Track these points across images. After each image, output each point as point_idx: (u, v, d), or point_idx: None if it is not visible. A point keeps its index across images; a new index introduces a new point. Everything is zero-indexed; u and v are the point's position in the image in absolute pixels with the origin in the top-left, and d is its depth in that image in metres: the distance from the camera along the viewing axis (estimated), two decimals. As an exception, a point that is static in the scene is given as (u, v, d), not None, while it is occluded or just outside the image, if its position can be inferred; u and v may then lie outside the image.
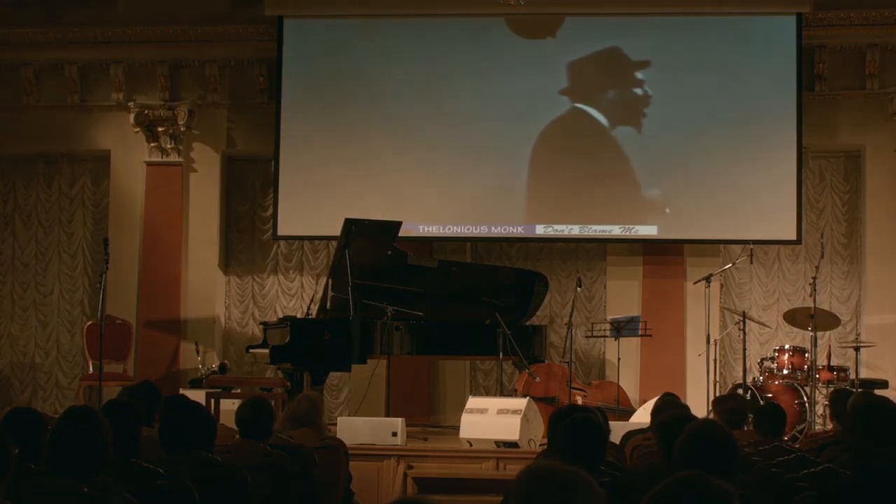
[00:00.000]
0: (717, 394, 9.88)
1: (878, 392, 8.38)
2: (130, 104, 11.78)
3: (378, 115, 11.39)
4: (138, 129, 11.75)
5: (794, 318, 10.23)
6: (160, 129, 11.74)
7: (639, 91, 11.18)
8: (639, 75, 11.17)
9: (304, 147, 11.43)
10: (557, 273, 11.58)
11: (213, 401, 8.61)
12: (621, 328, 10.00)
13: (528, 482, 2.59)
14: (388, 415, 9.24)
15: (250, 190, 12.09)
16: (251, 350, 10.23)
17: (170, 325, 11.63)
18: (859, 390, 8.22)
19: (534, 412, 8.75)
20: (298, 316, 10.50)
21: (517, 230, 11.30)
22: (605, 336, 10.37)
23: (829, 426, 8.64)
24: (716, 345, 10.15)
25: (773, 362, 10.04)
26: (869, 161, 11.28)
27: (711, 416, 6.96)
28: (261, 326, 10.45)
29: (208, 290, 11.78)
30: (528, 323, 10.28)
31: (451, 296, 10.03)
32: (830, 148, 11.50)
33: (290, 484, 4.93)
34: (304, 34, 11.53)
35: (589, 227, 11.19)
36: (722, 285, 11.30)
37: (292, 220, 11.38)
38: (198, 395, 8.21)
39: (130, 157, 11.87)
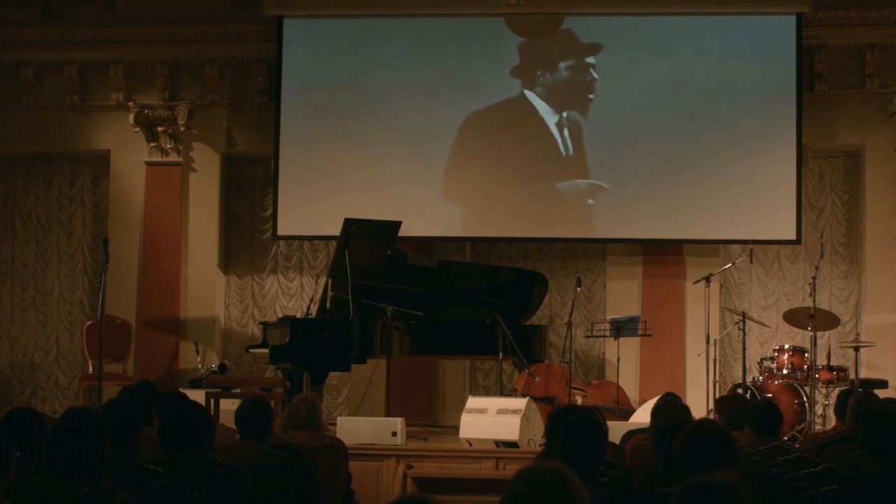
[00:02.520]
0: (717, 394, 9.89)
1: (877, 392, 8.38)
2: (130, 104, 11.78)
3: (378, 115, 11.39)
4: (138, 129, 11.75)
5: (794, 317, 10.23)
6: (160, 128, 11.75)
7: (637, 90, 11.18)
8: (637, 74, 11.17)
9: (303, 147, 11.43)
10: (557, 273, 11.59)
11: (213, 401, 8.61)
12: (621, 328, 10.00)
13: (521, 483, 2.61)
14: (387, 415, 9.24)
15: (250, 190, 12.09)
16: (251, 350, 10.23)
17: (170, 325, 11.63)
18: (860, 390, 8.21)
19: (534, 412, 8.74)
20: (298, 316, 10.51)
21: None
22: (604, 336, 10.37)
23: (830, 426, 8.64)
24: (716, 345, 10.15)
25: (772, 362, 10.04)
26: (869, 161, 11.28)
27: (714, 416, 6.96)
28: (261, 326, 10.45)
29: (208, 290, 11.78)
30: (527, 323, 10.28)
31: (450, 296, 10.04)
32: (830, 148, 11.50)
33: (290, 484, 4.93)
34: (304, 34, 11.53)
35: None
36: (722, 285, 11.30)
37: (292, 220, 11.38)
38: (198, 395, 8.21)
39: (130, 157, 11.88)
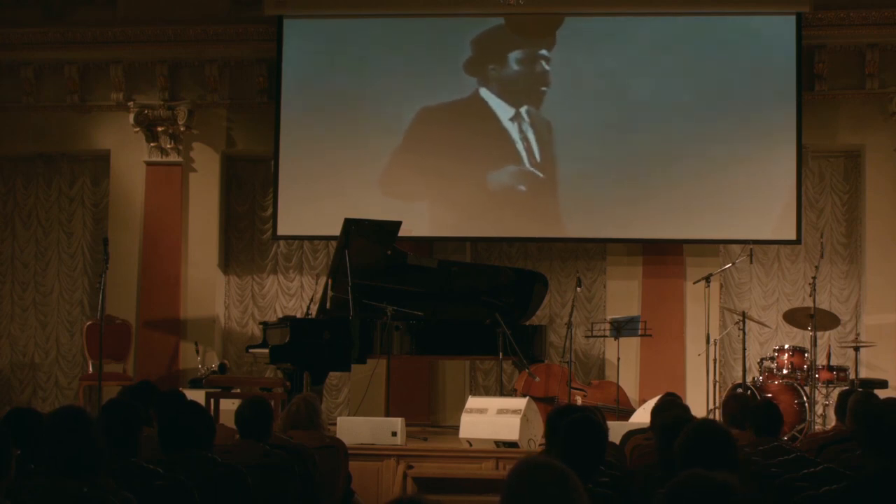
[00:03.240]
0: (718, 394, 9.90)
1: (877, 392, 8.38)
2: (130, 104, 11.78)
3: (378, 115, 11.39)
4: (138, 129, 11.75)
5: (794, 317, 10.22)
6: (160, 128, 11.75)
7: (637, 90, 11.18)
8: (637, 74, 11.17)
9: (304, 147, 11.43)
10: (557, 273, 11.59)
11: (213, 401, 8.62)
12: (621, 328, 10.00)
13: (518, 477, 2.62)
14: (388, 415, 9.24)
15: (250, 190, 12.09)
16: (251, 350, 10.23)
17: (170, 325, 11.63)
18: (860, 390, 8.21)
19: (534, 412, 8.74)
20: (298, 316, 10.51)
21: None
22: (604, 336, 10.37)
23: (830, 426, 8.64)
24: (716, 345, 10.15)
25: (772, 362, 10.03)
26: (869, 161, 11.28)
27: (718, 414, 6.96)
28: (261, 326, 10.45)
29: (208, 290, 11.78)
30: (527, 323, 10.28)
31: (450, 296, 10.04)
32: (830, 148, 11.50)
33: (290, 484, 4.93)
34: (304, 34, 11.53)
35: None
36: (722, 285, 11.30)
37: (292, 220, 11.38)
38: (198, 395, 8.21)
39: (130, 157, 11.88)
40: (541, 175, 11.24)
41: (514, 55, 11.33)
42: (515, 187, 11.27)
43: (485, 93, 11.31)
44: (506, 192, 11.27)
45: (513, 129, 11.25)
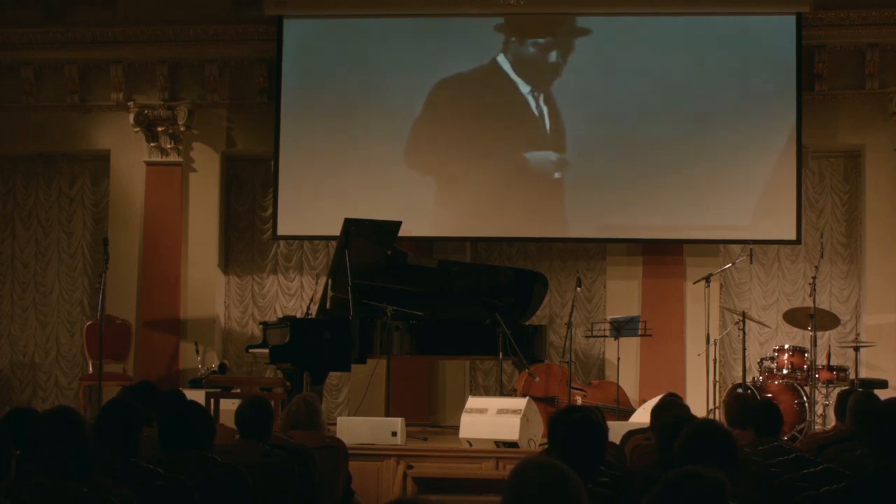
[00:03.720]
0: (718, 394, 9.90)
1: (877, 392, 8.38)
2: (130, 104, 11.78)
3: (378, 115, 11.39)
4: (138, 129, 11.75)
5: (794, 317, 10.22)
6: (160, 128, 11.75)
7: (637, 90, 11.18)
8: (636, 74, 11.17)
9: (304, 147, 11.43)
10: (557, 273, 11.59)
11: (213, 401, 8.62)
12: (621, 328, 9.99)
13: (519, 477, 2.63)
14: (387, 415, 9.24)
15: (250, 190, 12.09)
16: (251, 350, 10.23)
17: (170, 325, 11.63)
18: (859, 390, 8.20)
19: (534, 412, 8.75)
20: (298, 316, 10.51)
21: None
22: (604, 336, 10.37)
23: (830, 426, 8.64)
24: (716, 345, 10.15)
25: (772, 362, 10.04)
26: (869, 161, 11.28)
27: (718, 414, 6.96)
28: (261, 326, 10.46)
29: (208, 290, 11.78)
30: (527, 323, 10.28)
31: (450, 296, 10.04)
32: (830, 148, 11.50)
33: (290, 484, 4.93)
34: (304, 34, 11.54)
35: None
36: (722, 285, 11.30)
37: (292, 220, 11.38)
38: (198, 395, 8.21)
39: (130, 157, 11.88)
40: (549, 164, 11.25)
41: (509, 48, 11.33)
42: (522, 182, 11.26)
43: (504, 63, 11.27)
44: (508, 188, 11.27)
45: (532, 104, 11.23)
